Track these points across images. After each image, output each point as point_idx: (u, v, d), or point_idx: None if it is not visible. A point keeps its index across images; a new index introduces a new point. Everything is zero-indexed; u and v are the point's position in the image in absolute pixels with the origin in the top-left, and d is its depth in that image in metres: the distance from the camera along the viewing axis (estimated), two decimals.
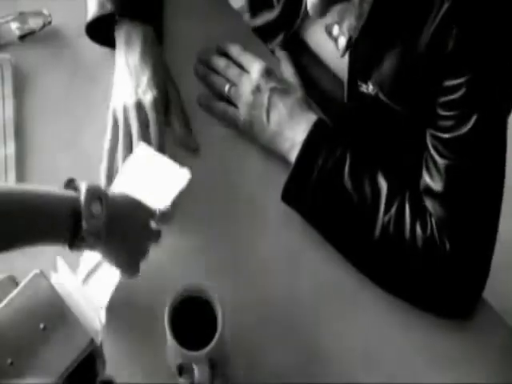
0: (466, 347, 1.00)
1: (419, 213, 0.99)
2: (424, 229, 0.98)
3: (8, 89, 1.08)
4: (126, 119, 1.03)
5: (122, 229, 0.87)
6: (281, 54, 1.17)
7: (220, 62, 1.10)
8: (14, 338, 0.78)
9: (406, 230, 0.98)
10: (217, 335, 0.87)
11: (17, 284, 0.88)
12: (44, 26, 1.11)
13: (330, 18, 1.02)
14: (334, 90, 1.12)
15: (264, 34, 1.18)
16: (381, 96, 1.01)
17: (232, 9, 1.20)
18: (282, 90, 1.06)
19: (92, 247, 0.85)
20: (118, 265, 0.92)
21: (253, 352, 0.98)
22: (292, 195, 1.03)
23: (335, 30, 1.03)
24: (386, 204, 0.99)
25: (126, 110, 1.03)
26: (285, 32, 1.14)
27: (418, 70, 0.96)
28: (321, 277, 1.03)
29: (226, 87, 1.08)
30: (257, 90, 1.05)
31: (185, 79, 1.11)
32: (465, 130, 0.93)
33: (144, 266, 1.00)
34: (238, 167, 1.08)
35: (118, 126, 1.04)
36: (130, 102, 1.03)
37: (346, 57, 1.02)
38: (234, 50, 1.10)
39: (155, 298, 0.98)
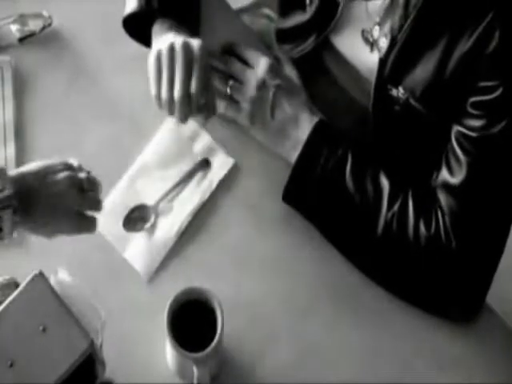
0: (467, 348, 1.00)
1: (423, 211, 0.99)
2: (428, 227, 0.98)
3: (8, 90, 1.08)
4: (172, 59, 0.98)
5: (42, 197, 0.87)
6: (282, 57, 1.17)
7: (222, 60, 1.08)
8: (14, 339, 0.78)
9: (410, 227, 0.98)
10: (216, 337, 0.88)
11: (17, 285, 0.88)
12: (44, 27, 1.11)
13: (368, 22, 1.02)
14: (360, 94, 1.11)
15: (293, 36, 1.17)
16: (411, 101, 1.01)
17: (231, 10, 1.20)
18: (288, 88, 1.05)
19: (16, 224, 0.86)
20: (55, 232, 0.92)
21: (253, 352, 0.98)
22: (293, 195, 1.03)
23: (375, 31, 1.02)
24: (388, 202, 0.99)
25: (171, 50, 0.98)
26: (316, 34, 1.13)
27: (455, 74, 0.95)
28: (321, 277, 1.03)
29: (230, 82, 1.06)
30: (262, 85, 1.04)
31: None
32: (494, 130, 0.93)
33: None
34: (238, 167, 1.08)
35: (161, 71, 0.99)
36: (178, 41, 0.98)
37: (377, 61, 1.02)
38: (238, 47, 1.08)
39: (155, 299, 0.98)
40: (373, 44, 1.04)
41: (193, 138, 1.08)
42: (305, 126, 1.03)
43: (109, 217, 1.02)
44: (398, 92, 1.01)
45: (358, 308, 1.01)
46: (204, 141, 1.08)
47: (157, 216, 1.04)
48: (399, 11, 0.96)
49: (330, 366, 0.99)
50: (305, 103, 1.05)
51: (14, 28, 1.11)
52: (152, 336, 0.96)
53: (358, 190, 1.00)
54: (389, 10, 0.98)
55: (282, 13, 1.21)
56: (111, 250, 1.02)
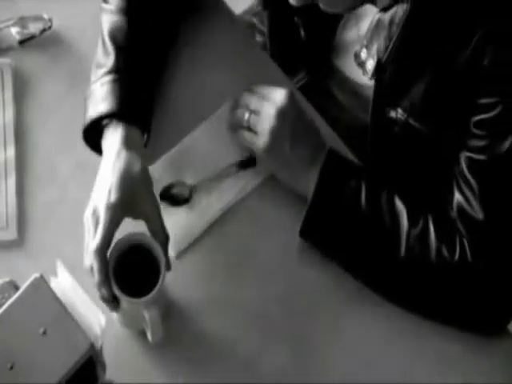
0: (467, 349, 1.00)
1: (445, 237, 0.97)
2: (452, 253, 0.96)
3: (8, 93, 1.08)
4: (88, 227, 0.92)
5: None
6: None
7: (240, 98, 1.04)
8: (14, 342, 0.79)
9: (432, 253, 0.97)
10: (161, 276, 0.89)
11: (17, 288, 0.88)
12: (44, 30, 1.11)
13: (358, 45, 1.01)
14: (362, 117, 1.10)
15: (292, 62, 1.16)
16: (411, 121, 0.99)
17: (233, 17, 1.19)
18: (306, 120, 1.02)
19: None
20: None
21: (252, 353, 0.99)
22: (311, 230, 1.01)
23: (363, 53, 1.00)
24: (407, 227, 0.97)
25: (87, 220, 0.93)
26: (315, 59, 1.13)
27: (451, 91, 0.94)
28: (321, 277, 1.02)
29: (246, 115, 1.02)
30: (281, 114, 0.99)
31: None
32: (501, 151, 0.91)
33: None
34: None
35: None
36: (88, 212, 0.93)
37: (371, 84, 1.00)
38: (256, 88, 1.04)
39: None
40: (363, 64, 1.02)
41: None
42: (320, 159, 1.00)
43: None
44: (397, 113, 1.00)
45: (358, 310, 1.02)
46: None
47: (194, 196, 1.04)
48: (384, 32, 0.95)
49: (329, 367, 0.99)
50: (319, 137, 1.03)
51: (14, 30, 1.11)
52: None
53: (375, 217, 0.99)
54: (374, 32, 0.97)
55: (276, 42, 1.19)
56: None
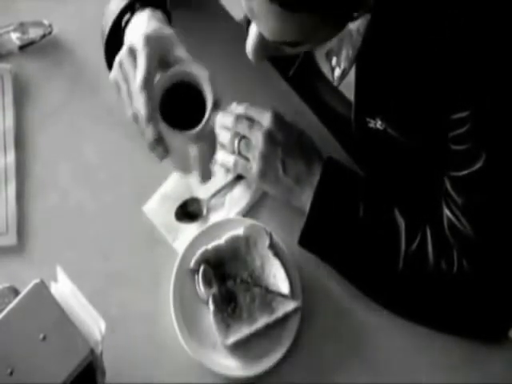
0: (464, 356, 1.01)
1: (443, 251, 0.97)
2: (450, 266, 0.97)
3: (8, 98, 1.09)
4: (124, 73, 0.91)
5: None
6: None
7: (226, 119, 1.04)
8: (14, 347, 0.79)
9: (430, 266, 0.97)
10: (208, 109, 0.86)
11: (17, 294, 0.88)
12: (44, 35, 1.11)
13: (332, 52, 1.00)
14: (347, 117, 1.09)
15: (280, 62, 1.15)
16: (390, 131, 0.98)
17: (233, 21, 1.19)
18: (296, 137, 1.02)
19: None
20: None
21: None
22: (310, 241, 1.01)
23: (334, 60, 1.00)
24: (406, 240, 0.98)
25: (121, 65, 0.91)
26: (298, 60, 1.12)
27: (423, 103, 0.93)
28: (319, 278, 1.03)
29: (236, 141, 1.03)
30: (269, 139, 1.00)
31: None
32: (478, 165, 0.90)
33: (143, 276, 1.01)
34: None
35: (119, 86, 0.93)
36: (121, 56, 0.91)
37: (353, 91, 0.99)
38: (240, 108, 1.04)
39: (154, 307, 0.99)
40: (333, 70, 1.02)
41: None
42: (317, 172, 1.00)
43: (161, 207, 1.04)
44: (376, 123, 0.99)
45: (357, 310, 1.02)
46: None
47: (209, 210, 1.05)
48: (348, 40, 0.94)
49: (329, 368, 1.00)
50: (313, 146, 1.03)
51: (14, 36, 1.11)
52: (153, 342, 0.97)
53: (374, 229, 0.99)
54: (343, 40, 0.96)
55: None
56: (111, 257, 1.02)
